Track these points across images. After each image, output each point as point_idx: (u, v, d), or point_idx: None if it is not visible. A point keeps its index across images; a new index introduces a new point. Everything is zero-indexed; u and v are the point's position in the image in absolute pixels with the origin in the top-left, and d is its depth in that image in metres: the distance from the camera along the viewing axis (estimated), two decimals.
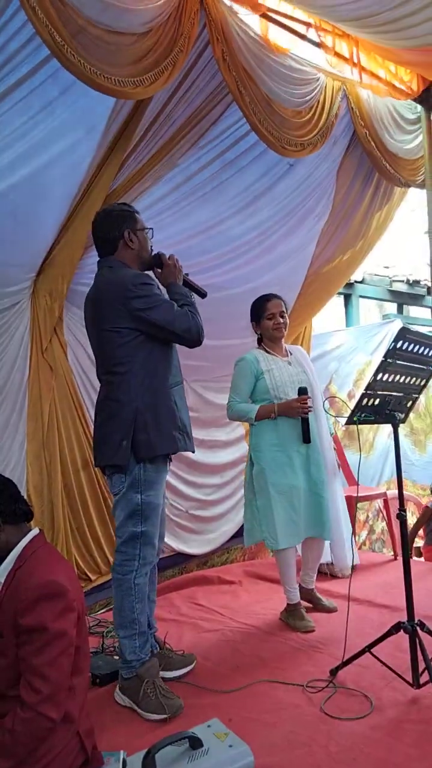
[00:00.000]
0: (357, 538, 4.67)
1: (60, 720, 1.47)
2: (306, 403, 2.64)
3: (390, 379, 2.03)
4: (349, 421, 2.00)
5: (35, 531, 1.64)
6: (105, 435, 2.05)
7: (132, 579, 2.05)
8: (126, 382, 2.03)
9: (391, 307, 6.61)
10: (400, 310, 6.47)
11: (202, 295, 2.21)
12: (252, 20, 3.09)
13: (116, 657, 2.33)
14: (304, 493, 2.68)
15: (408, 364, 2.05)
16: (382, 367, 1.94)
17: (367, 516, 5.01)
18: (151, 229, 2.27)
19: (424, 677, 2.00)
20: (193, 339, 2.10)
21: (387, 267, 6.29)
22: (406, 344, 1.93)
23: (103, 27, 2.32)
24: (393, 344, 1.89)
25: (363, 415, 2.01)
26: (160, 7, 2.49)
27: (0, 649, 1.53)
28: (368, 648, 2.13)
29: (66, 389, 2.99)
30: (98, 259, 2.21)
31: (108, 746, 1.73)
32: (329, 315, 6.02)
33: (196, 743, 1.46)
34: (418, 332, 1.98)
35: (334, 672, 2.19)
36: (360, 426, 2.14)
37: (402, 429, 5.63)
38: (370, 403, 2.01)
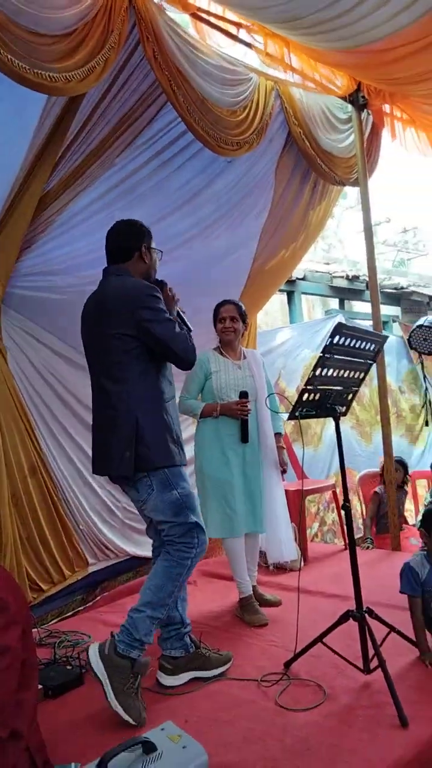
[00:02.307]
0: (309, 530, 4.75)
1: (7, 737, 1.43)
2: (245, 406, 2.78)
3: (329, 374, 2.07)
4: (291, 416, 2.03)
5: None
6: (108, 446, 2.05)
7: (187, 565, 2.06)
8: (126, 392, 2.03)
9: (334, 303, 6.76)
10: (342, 305, 6.62)
11: (189, 330, 2.24)
12: (183, 20, 3.10)
13: (68, 668, 2.29)
14: (238, 489, 2.81)
15: (346, 358, 2.10)
16: (321, 363, 1.98)
17: (318, 508, 5.10)
18: (161, 251, 2.30)
19: (374, 663, 2.05)
20: (189, 361, 2.12)
21: (327, 263, 6.43)
22: (343, 339, 1.97)
23: (23, 27, 2.26)
24: (330, 340, 1.93)
25: (305, 410, 2.04)
26: (82, 11, 2.45)
27: None
28: (320, 638, 2.17)
29: (7, 395, 2.90)
30: (109, 265, 2.22)
31: (62, 759, 1.69)
32: (273, 311, 6.11)
33: (149, 748, 1.45)
34: (354, 327, 2.03)
35: (287, 664, 2.22)
36: (307, 420, 2.19)
37: (348, 421, 5.80)
38: (311, 398, 2.04)
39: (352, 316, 6.53)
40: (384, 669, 1.94)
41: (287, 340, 5.10)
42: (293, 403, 2.01)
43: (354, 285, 6.31)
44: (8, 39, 2.22)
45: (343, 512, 2.18)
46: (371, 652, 2.07)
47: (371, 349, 2.21)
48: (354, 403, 6.26)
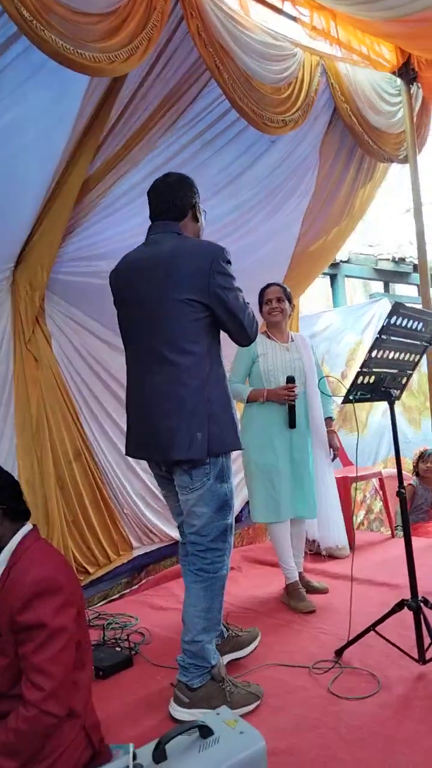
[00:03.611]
0: (356, 518, 4.67)
1: (65, 716, 1.44)
2: (292, 391, 2.72)
3: (385, 356, 2.00)
4: (346, 400, 1.96)
5: (28, 527, 1.60)
6: (174, 426, 1.81)
7: (223, 575, 1.94)
8: (197, 365, 1.81)
9: (377, 286, 6.59)
10: (386, 288, 6.44)
11: None
12: None
13: (118, 649, 2.30)
14: (285, 474, 2.76)
15: (402, 340, 2.02)
16: (377, 344, 1.91)
17: (364, 496, 5.01)
18: (206, 211, 2.10)
19: (430, 653, 1.99)
20: (253, 336, 1.93)
21: (371, 246, 6.26)
22: (400, 319, 1.90)
23: (66, 6, 2.23)
24: (387, 320, 1.85)
25: (359, 393, 1.97)
26: None
27: None
28: (372, 626, 2.12)
29: (52, 380, 2.92)
30: (155, 221, 1.98)
31: (116, 739, 1.70)
32: (316, 296, 5.99)
33: (206, 732, 1.43)
34: (412, 307, 1.94)
35: (339, 652, 2.18)
36: (354, 405, 2.11)
37: (396, 407, 5.66)
38: (365, 381, 1.97)
39: (397, 299, 6.35)
40: None
41: (330, 324, 5.01)
42: (348, 387, 1.95)
43: (400, 267, 6.13)
44: (53, 20, 2.19)
45: (398, 498, 2.10)
46: (427, 641, 2.00)
47: (428, 330, 2.12)
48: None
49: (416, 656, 2.02)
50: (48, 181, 2.72)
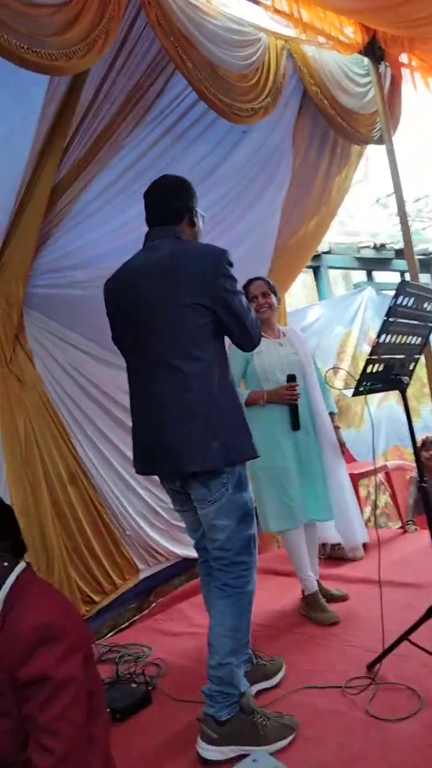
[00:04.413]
0: (362, 515, 4.53)
1: None
2: (294, 391, 2.57)
3: (393, 341, 1.85)
4: (356, 392, 1.81)
5: (22, 565, 1.41)
6: (184, 436, 1.72)
7: (250, 590, 1.84)
8: (205, 371, 1.74)
9: (357, 277, 6.49)
10: (369, 277, 6.34)
11: None
12: None
13: (133, 686, 2.12)
14: (295, 476, 2.60)
15: (409, 321, 1.88)
16: (384, 328, 1.76)
17: (368, 491, 4.86)
18: (204, 216, 2.02)
19: None
20: (255, 341, 1.87)
21: (350, 235, 6.15)
22: (407, 299, 1.75)
23: (20, 1, 2.08)
24: (393, 300, 1.70)
25: (369, 383, 1.82)
26: None
27: (0, 710, 1.31)
28: (405, 635, 1.96)
29: (39, 401, 2.74)
30: (155, 226, 1.91)
31: None
32: (298, 290, 5.87)
33: None
34: (417, 284, 1.80)
35: (371, 666, 2.01)
36: (366, 397, 1.97)
37: (392, 396, 5.54)
38: (375, 370, 1.82)
39: (381, 288, 6.25)
40: None
41: (318, 317, 4.88)
42: (357, 378, 1.80)
43: (381, 254, 6.03)
44: (6, 16, 2.05)
45: (420, 493, 1.95)
46: None
47: None
48: None
49: None
50: (14, 191, 2.56)
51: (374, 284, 6.24)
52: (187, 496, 1.88)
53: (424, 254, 6.63)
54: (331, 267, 5.69)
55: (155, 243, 1.87)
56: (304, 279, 5.85)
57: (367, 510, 4.78)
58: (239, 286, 1.87)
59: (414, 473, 4.14)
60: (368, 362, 1.79)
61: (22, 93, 2.40)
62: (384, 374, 1.87)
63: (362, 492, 4.84)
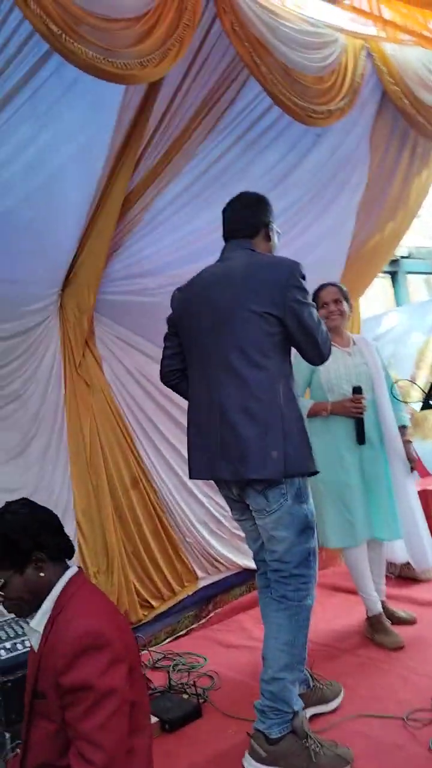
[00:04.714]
0: None
1: None
2: (360, 403, 2.45)
3: None
4: (425, 406, 1.70)
5: (73, 569, 1.44)
6: (244, 442, 1.72)
7: (309, 605, 1.81)
8: (269, 380, 1.75)
9: None
10: None
11: None
12: None
13: (185, 696, 2.10)
14: (358, 492, 2.49)
15: None
16: None
17: None
18: (280, 233, 2.08)
19: None
20: (325, 355, 1.86)
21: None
22: None
23: (97, 15, 2.14)
24: None
25: None
26: None
27: (44, 712, 1.33)
28: None
29: (105, 405, 2.81)
30: (231, 240, 1.96)
31: None
32: (375, 296, 5.66)
33: None
34: None
35: None
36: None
37: None
38: None
39: None
40: None
41: (395, 325, 4.68)
42: (426, 391, 1.68)
43: None
44: (84, 30, 2.11)
45: None
46: None
47: None
48: None
49: None
50: (89, 200, 2.63)
51: None
52: (245, 505, 1.87)
53: None
54: (410, 272, 5.45)
55: (229, 254, 1.93)
56: (383, 284, 5.65)
57: None
58: (311, 292, 1.86)
59: None
60: None
61: (99, 103, 2.45)
62: None
63: None
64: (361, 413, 2.46)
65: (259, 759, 1.68)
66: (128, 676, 1.31)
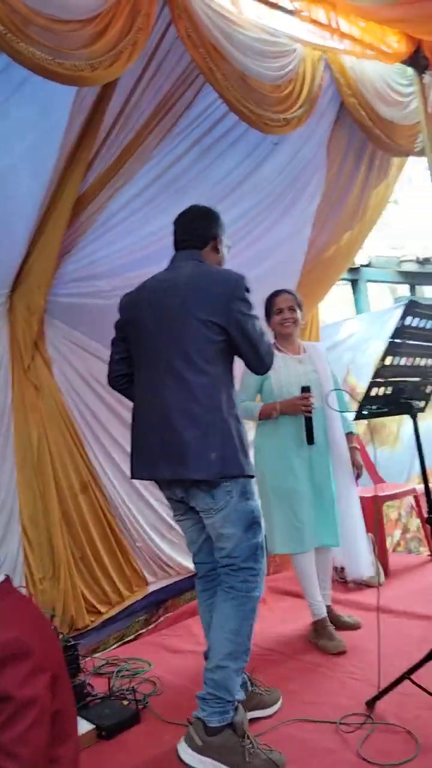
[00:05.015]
0: (390, 539, 4.36)
1: None
2: (308, 401, 2.48)
3: (402, 363, 1.76)
4: (359, 416, 1.73)
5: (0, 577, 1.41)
6: (183, 444, 1.78)
7: (255, 596, 1.85)
8: (211, 386, 1.82)
9: (405, 290, 6.29)
10: (412, 291, 6.14)
11: None
12: None
13: (125, 703, 2.09)
14: (306, 498, 2.53)
15: (422, 343, 1.78)
16: (391, 350, 1.68)
17: (399, 514, 4.68)
18: (230, 247, 2.15)
19: None
20: (267, 364, 1.92)
21: (395, 248, 5.98)
22: (417, 320, 1.66)
23: (46, 16, 2.12)
24: (401, 322, 1.62)
25: (374, 407, 1.74)
26: None
27: None
28: (407, 674, 1.85)
29: (55, 409, 2.77)
30: (180, 250, 2.02)
31: None
32: (337, 303, 5.74)
33: None
34: (430, 305, 1.70)
35: (371, 703, 1.91)
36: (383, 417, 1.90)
37: (430, 416, 5.33)
38: (380, 393, 1.74)
39: (425, 302, 6.04)
40: None
41: (354, 332, 4.75)
42: (360, 400, 1.71)
43: (425, 268, 5.83)
44: (32, 31, 2.09)
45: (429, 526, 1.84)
46: None
47: None
48: None
49: None
50: (39, 201, 2.60)
51: (418, 299, 6.04)
52: (188, 506, 1.92)
53: None
54: (370, 280, 5.54)
55: (177, 264, 1.99)
56: (346, 291, 5.72)
57: (397, 533, 4.60)
58: (262, 298, 1.89)
59: None
60: (372, 385, 1.70)
61: (49, 103, 2.43)
62: (392, 398, 1.78)
63: (393, 515, 4.67)
64: (310, 411, 2.49)
65: (194, 747, 1.68)
66: (51, 685, 1.29)
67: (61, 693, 1.35)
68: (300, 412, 2.50)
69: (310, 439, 2.51)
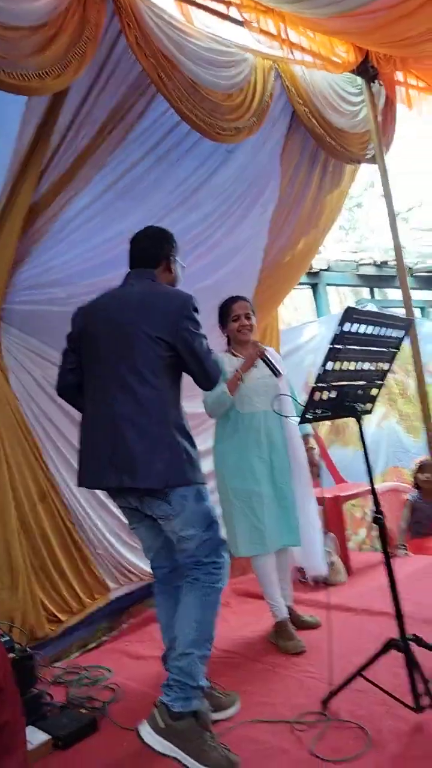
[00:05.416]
0: (355, 537, 4.44)
1: None
2: (257, 346, 2.60)
3: (346, 368, 1.80)
4: (303, 420, 1.77)
5: None
6: (133, 453, 1.82)
7: (219, 588, 1.91)
8: (159, 398, 1.88)
9: (366, 293, 6.42)
10: (372, 294, 6.27)
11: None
12: (168, 3, 2.90)
13: (83, 710, 2.09)
14: (268, 500, 2.55)
15: (364, 348, 1.83)
16: (331, 356, 1.72)
17: (364, 513, 4.76)
18: (184, 267, 2.22)
19: (426, 699, 1.76)
20: (215, 381, 2.01)
21: (355, 252, 6.10)
22: (356, 326, 1.71)
23: None
24: (339, 328, 1.66)
25: (319, 411, 1.78)
26: (54, 1, 2.30)
27: None
28: (360, 671, 1.89)
29: (11, 418, 2.74)
30: (134, 268, 2.09)
31: None
32: (299, 307, 5.83)
33: None
34: (369, 311, 1.76)
35: (326, 702, 1.95)
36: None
37: (392, 416, 5.43)
38: (324, 398, 1.78)
39: (386, 304, 6.17)
40: None
41: (315, 335, 4.82)
42: (303, 405, 1.75)
43: (383, 271, 5.95)
44: None
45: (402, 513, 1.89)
46: (421, 685, 1.78)
47: (394, 336, 1.93)
48: (399, 396, 5.79)
49: (412, 704, 1.78)
50: None
51: (377, 301, 6.17)
52: (142, 514, 1.96)
53: (430, 271, 6.53)
54: (329, 284, 5.63)
55: (132, 281, 2.06)
56: (308, 295, 5.80)
57: (362, 532, 4.68)
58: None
59: (410, 496, 4.06)
60: (314, 390, 1.74)
61: None
62: (337, 402, 1.82)
63: (358, 513, 4.75)
64: (263, 351, 2.58)
65: (156, 728, 1.72)
66: None
67: (8, 706, 1.36)
68: (257, 355, 2.56)
69: (277, 372, 2.56)
